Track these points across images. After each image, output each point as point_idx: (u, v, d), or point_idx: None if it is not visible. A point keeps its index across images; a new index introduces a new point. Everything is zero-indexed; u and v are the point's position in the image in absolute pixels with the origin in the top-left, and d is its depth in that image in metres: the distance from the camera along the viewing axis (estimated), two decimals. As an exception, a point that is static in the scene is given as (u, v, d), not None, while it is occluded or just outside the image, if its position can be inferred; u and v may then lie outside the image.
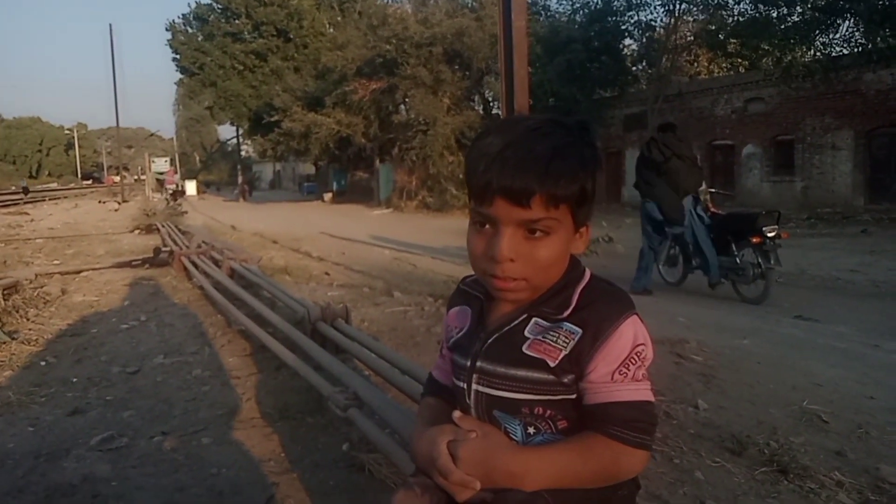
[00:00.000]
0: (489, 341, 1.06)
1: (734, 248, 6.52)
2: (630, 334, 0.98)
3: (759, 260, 6.33)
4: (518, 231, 0.97)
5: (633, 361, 0.98)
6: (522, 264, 0.98)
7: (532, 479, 0.97)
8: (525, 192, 0.94)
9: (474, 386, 1.07)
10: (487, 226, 1.00)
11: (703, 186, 6.98)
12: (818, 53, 16.90)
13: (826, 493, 2.30)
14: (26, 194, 39.19)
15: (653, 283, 7.09)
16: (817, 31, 16.34)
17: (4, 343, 4.48)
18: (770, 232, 6.25)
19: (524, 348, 1.01)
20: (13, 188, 48.29)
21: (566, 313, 1.00)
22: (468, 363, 1.08)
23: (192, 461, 2.70)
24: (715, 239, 6.66)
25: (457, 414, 1.05)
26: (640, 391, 0.99)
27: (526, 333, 1.02)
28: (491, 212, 0.97)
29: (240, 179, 41.43)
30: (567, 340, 0.99)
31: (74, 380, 3.82)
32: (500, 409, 1.04)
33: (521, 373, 1.01)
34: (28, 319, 5.30)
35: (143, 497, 2.42)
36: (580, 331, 0.98)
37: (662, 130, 7.05)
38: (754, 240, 6.32)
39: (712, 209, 6.95)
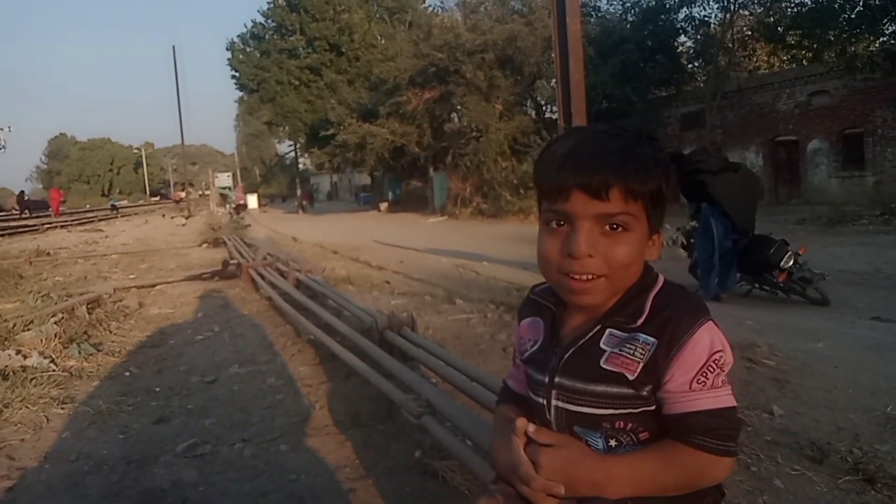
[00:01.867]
0: (566, 357, 1.06)
1: (767, 276, 6.41)
2: (706, 341, 0.96)
3: (798, 281, 6.25)
4: (595, 226, 0.97)
5: (712, 369, 0.96)
6: (600, 261, 0.97)
7: (615, 487, 0.98)
8: (604, 183, 0.94)
9: (554, 402, 1.06)
10: (562, 224, 0.99)
11: None
12: (887, 42, 16.09)
13: (918, 503, 2.22)
14: (114, 211, 42.29)
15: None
16: (886, 19, 15.58)
17: (91, 355, 4.74)
18: (787, 263, 6.15)
19: (602, 362, 1.01)
20: (88, 205, 51.04)
21: (640, 321, 1.00)
22: (546, 379, 1.08)
23: (272, 467, 2.81)
24: (744, 263, 6.53)
25: (531, 428, 1.05)
26: (721, 398, 0.97)
27: (602, 346, 1.02)
28: (567, 207, 0.97)
29: (298, 192, 42.46)
30: (644, 352, 0.98)
31: (157, 389, 4.02)
32: (581, 424, 1.04)
33: (601, 388, 1.00)
34: (110, 332, 5.59)
35: (229, 502, 2.53)
36: (655, 341, 0.97)
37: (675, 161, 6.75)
38: (780, 278, 6.24)
39: None
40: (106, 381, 4.22)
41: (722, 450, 0.97)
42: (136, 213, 41.55)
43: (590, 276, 0.98)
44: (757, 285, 6.66)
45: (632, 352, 0.99)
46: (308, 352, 4.64)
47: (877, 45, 16.00)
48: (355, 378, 3.71)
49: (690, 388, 0.96)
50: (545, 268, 1.04)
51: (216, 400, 3.77)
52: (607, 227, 0.97)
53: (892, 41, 15.99)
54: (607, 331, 1.02)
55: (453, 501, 2.37)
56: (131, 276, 9.41)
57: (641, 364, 0.98)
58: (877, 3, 15.30)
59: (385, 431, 3.07)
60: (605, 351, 1.01)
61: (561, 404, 1.06)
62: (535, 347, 1.14)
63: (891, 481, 2.33)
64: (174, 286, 8.25)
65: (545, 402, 1.08)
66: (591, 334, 1.04)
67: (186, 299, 7.27)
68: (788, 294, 6.39)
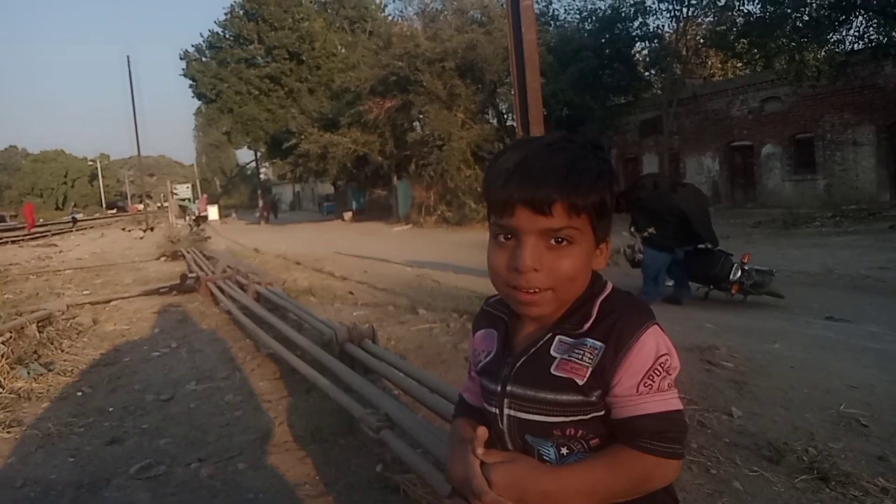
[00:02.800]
0: (517, 365, 1.06)
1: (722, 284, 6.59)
2: (652, 345, 0.97)
3: (751, 286, 6.41)
4: (541, 241, 0.98)
5: (658, 372, 0.97)
6: (547, 274, 0.98)
7: (566, 498, 0.98)
8: (547, 199, 0.95)
9: (506, 411, 1.06)
10: (509, 238, 1.00)
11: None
12: (832, 50, 16.66)
13: (871, 500, 2.26)
14: (75, 224, 40.64)
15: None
16: (830, 29, 16.15)
17: (42, 375, 4.57)
18: (735, 275, 6.33)
19: (552, 369, 1.01)
20: (41, 219, 49.54)
21: (587, 326, 1.01)
22: (498, 388, 1.08)
23: (229, 487, 2.73)
24: (696, 276, 6.76)
25: (480, 451, 1.03)
26: (668, 401, 0.98)
27: (552, 353, 1.02)
28: (513, 222, 0.98)
29: (260, 202, 41.93)
30: (592, 356, 0.98)
31: (110, 409, 3.89)
32: (532, 433, 1.04)
33: (551, 396, 1.01)
34: (63, 351, 5.40)
35: (184, 525, 2.45)
36: (602, 345, 0.98)
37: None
38: (734, 290, 6.42)
39: None
40: (56, 402, 4.07)
41: (669, 452, 0.97)
42: (91, 227, 40.45)
43: (536, 290, 0.99)
44: (711, 286, 6.80)
45: (580, 356, 0.99)
46: (268, 366, 4.55)
47: (822, 53, 16.55)
48: (316, 392, 3.65)
49: (637, 391, 0.97)
50: (495, 280, 1.05)
51: (172, 419, 3.66)
52: (552, 241, 0.98)
53: (837, 50, 16.57)
54: (557, 338, 1.03)
55: (415, 516, 2.34)
56: (86, 292, 9.13)
57: (590, 369, 0.98)
58: (821, 13, 15.84)
59: (346, 446, 3.02)
60: (555, 358, 1.02)
61: (513, 413, 1.05)
62: (489, 358, 1.14)
63: (844, 478, 2.37)
64: (130, 301, 8.03)
65: (497, 412, 1.08)
66: (541, 342, 1.04)
67: (143, 315, 7.08)
68: (745, 296, 6.53)
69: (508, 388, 1.06)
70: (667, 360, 0.98)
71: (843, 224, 13.77)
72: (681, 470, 1.01)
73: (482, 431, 1.05)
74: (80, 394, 4.25)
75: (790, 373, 3.84)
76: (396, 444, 2.45)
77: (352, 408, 2.94)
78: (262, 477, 2.81)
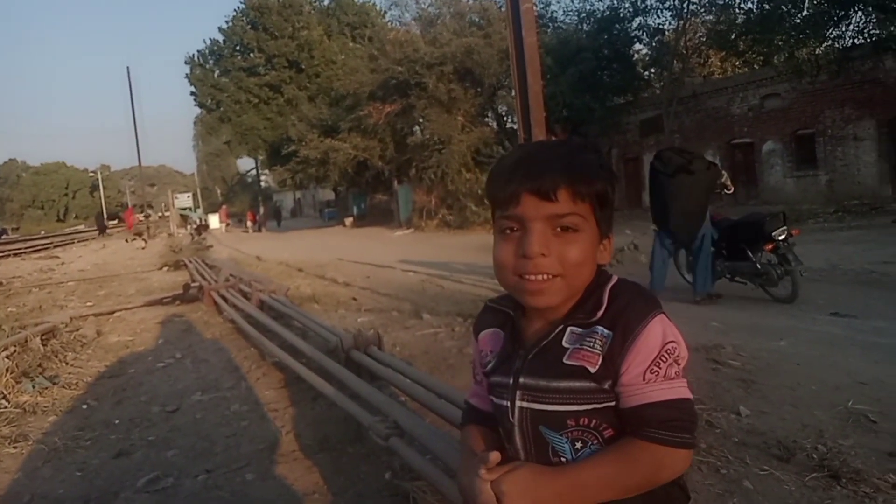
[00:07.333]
0: (529, 357, 1.06)
1: (750, 254, 6.47)
2: (659, 332, 0.98)
3: (779, 261, 6.31)
4: (547, 227, 1.00)
5: (664, 359, 0.97)
6: (554, 260, 0.99)
7: (580, 497, 0.97)
8: (552, 185, 0.98)
9: (518, 403, 1.06)
10: (515, 230, 1.02)
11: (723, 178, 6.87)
12: (831, 46, 16.63)
13: (883, 497, 2.25)
14: (102, 233, 40.56)
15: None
16: (829, 25, 16.13)
17: (47, 388, 4.56)
18: (780, 235, 6.22)
19: (565, 359, 1.01)
20: (42, 231, 49.70)
21: (598, 314, 1.01)
22: (510, 381, 1.07)
23: (238, 498, 2.73)
24: (728, 246, 6.67)
25: (483, 472, 1.01)
26: (675, 389, 0.97)
27: (564, 344, 1.02)
28: (519, 211, 1.00)
29: (261, 210, 42.11)
30: (602, 344, 0.99)
31: (117, 422, 3.88)
32: (546, 424, 1.03)
33: (564, 384, 1.00)
34: (67, 363, 5.40)
35: (193, 537, 2.44)
36: (610, 333, 0.99)
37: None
38: (767, 247, 6.31)
39: (719, 216, 6.88)
40: (62, 416, 4.07)
41: (678, 442, 0.96)
42: (93, 238, 40.53)
43: (545, 276, 1.00)
44: (729, 276, 6.75)
45: (591, 345, 1.00)
46: (274, 375, 4.54)
47: (821, 49, 16.53)
48: (323, 400, 3.64)
49: (644, 378, 0.96)
50: (501, 274, 1.05)
51: (178, 430, 3.66)
52: (558, 229, 1.00)
53: (836, 45, 16.55)
54: (568, 329, 1.03)
55: (425, 523, 2.33)
56: (89, 304, 9.14)
57: (601, 356, 0.98)
58: (821, 9, 15.82)
59: (354, 454, 3.01)
60: (567, 349, 1.02)
61: (525, 404, 1.05)
62: (497, 355, 1.14)
63: (854, 476, 2.36)
64: (134, 312, 8.04)
65: (509, 405, 1.07)
66: (553, 334, 1.04)
67: (147, 325, 7.08)
68: (757, 281, 6.47)
69: (521, 379, 1.06)
70: (674, 347, 0.98)
71: (845, 219, 13.73)
72: (691, 461, 1.00)
73: (495, 457, 1.02)
74: (85, 407, 4.24)
75: (797, 370, 3.82)
76: (406, 451, 2.44)
77: (360, 416, 2.93)
78: (270, 487, 2.80)
